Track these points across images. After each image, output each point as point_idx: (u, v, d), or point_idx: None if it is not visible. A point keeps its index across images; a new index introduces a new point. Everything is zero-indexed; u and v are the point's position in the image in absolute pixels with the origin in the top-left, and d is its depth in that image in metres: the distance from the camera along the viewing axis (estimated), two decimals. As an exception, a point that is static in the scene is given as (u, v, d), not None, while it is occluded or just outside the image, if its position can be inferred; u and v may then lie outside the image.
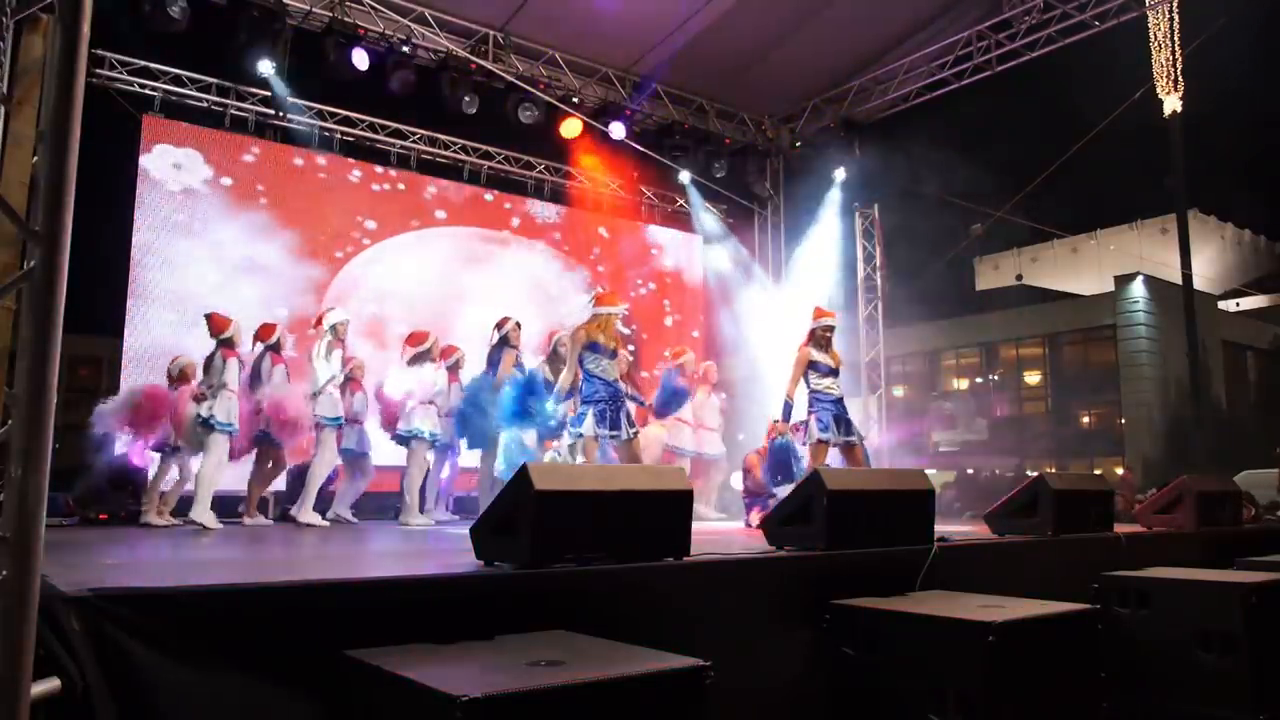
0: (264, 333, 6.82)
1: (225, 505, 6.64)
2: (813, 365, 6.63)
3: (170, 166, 9.16)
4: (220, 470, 6.35)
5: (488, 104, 9.81)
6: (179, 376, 6.76)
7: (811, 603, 3.29)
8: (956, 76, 10.50)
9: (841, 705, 3.21)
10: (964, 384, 26.90)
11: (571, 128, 10.34)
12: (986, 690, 2.79)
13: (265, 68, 8.86)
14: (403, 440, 7.07)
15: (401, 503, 7.14)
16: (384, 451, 7.48)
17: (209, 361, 6.47)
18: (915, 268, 12.34)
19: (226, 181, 9.45)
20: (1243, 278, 31.90)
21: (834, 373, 6.69)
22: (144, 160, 9.03)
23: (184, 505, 6.60)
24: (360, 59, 8.92)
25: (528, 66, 10.17)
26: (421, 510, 7.19)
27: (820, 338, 6.72)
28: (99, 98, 8.69)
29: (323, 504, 7.01)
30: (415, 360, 7.18)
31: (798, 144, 11.79)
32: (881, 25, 10.32)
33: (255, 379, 6.68)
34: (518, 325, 7.41)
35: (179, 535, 5.48)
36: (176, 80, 9.33)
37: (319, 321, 7.06)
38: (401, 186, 10.60)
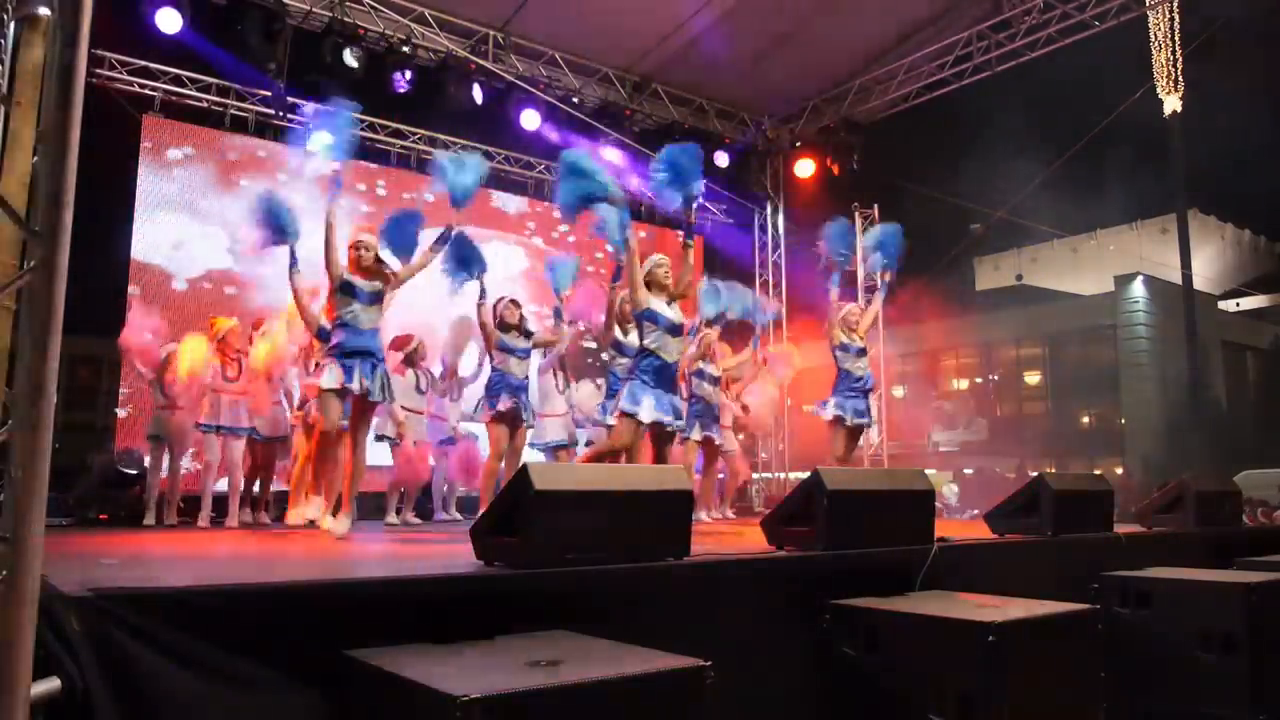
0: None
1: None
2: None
3: (170, 166, 9.16)
4: None
5: (488, 104, 9.81)
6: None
7: (812, 603, 3.29)
8: (956, 76, 10.49)
9: (841, 705, 3.20)
10: (964, 384, 26.88)
11: None
12: (986, 690, 2.79)
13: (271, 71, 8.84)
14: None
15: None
16: (376, 451, 7.48)
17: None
18: (915, 268, 12.30)
19: (226, 181, 9.44)
20: (1243, 278, 31.83)
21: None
22: (144, 160, 9.03)
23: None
24: (357, 65, 8.91)
25: (528, 66, 10.16)
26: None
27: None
28: (99, 98, 8.68)
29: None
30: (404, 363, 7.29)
31: (798, 144, 11.78)
32: (881, 25, 10.32)
33: None
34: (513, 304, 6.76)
35: (179, 535, 5.48)
36: (176, 80, 9.32)
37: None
38: (402, 185, 10.60)
